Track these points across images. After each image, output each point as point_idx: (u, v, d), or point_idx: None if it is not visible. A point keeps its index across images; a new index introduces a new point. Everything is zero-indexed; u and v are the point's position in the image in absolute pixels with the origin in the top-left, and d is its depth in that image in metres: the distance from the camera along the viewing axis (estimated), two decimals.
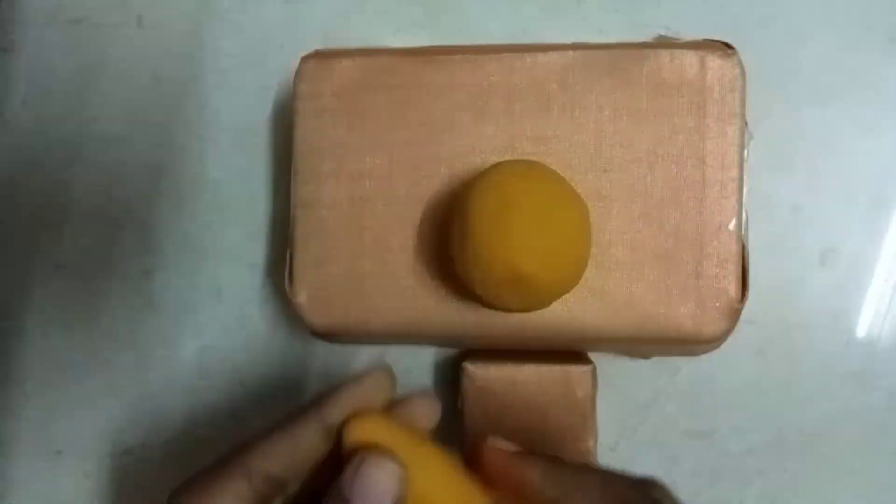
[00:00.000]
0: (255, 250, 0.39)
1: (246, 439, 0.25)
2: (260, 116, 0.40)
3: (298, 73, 0.35)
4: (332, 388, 0.25)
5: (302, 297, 0.34)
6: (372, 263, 0.33)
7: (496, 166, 0.31)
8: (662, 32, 0.37)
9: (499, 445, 0.26)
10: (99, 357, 0.40)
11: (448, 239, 0.31)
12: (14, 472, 0.40)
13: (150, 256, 0.40)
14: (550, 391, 0.33)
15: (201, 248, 0.40)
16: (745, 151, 0.33)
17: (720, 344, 0.34)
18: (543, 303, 0.31)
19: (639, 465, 0.28)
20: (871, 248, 0.36)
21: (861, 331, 0.36)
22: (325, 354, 0.39)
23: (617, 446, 0.37)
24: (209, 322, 0.39)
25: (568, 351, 0.35)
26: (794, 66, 0.37)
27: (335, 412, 0.25)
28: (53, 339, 0.40)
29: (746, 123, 0.33)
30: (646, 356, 0.36)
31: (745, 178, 0.33)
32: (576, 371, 0.33)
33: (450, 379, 0.37)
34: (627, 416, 0.37)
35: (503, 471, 0.26)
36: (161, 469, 0.39)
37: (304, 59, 0.35)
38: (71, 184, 0.41)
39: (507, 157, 0.33)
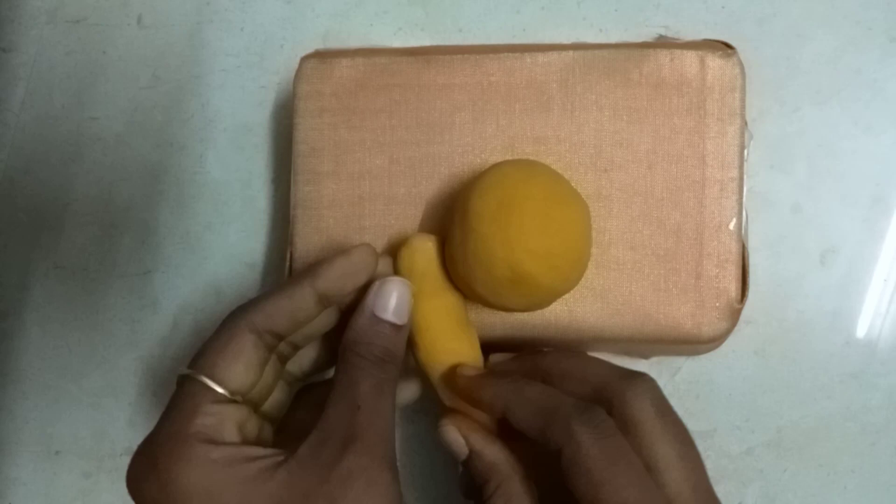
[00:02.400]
0: (255, 250, 0.39)
1: (248, 301, 0.28)
2: (260, 116, 0.40)
3: (298, 73, 0.35)
4: (324, 259, 0.28)
5: None
6: None
7: (496, 166, 0.31)
8: (662, 32, 0.37)
9: (465, 372, 0.29)
10: (99, 357, 0.40)
11: (448, 239, 0.31)
12: (14, 472, 0.40)
13: (150, 256, 0.40)
14: None
15: (201, 248, 0.40)
16: (745, 151, 0.33)
17: (720, 344, 0.34)
18: (544, 302, 0.31)
19: None
20: (871, 248, 0.36)
21: (860, 331, 0.36)
22: None
23: None
24: (209, 322, 0.39)
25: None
26: (794, 66, 0.37)
27: (327, 281, 0.28)
28: (53, 339, 0.40)
29: (746, 123, 0.33)
30: (646, 356, 0.36)
31: (745, 178, 0.33)
32: None
33: None
34: None
35: (469, 391, 0.29)
36: None
37: (304, 59, 0.35)
38: (71, 184, 0.41)
39: (507, 157, 0.33)
